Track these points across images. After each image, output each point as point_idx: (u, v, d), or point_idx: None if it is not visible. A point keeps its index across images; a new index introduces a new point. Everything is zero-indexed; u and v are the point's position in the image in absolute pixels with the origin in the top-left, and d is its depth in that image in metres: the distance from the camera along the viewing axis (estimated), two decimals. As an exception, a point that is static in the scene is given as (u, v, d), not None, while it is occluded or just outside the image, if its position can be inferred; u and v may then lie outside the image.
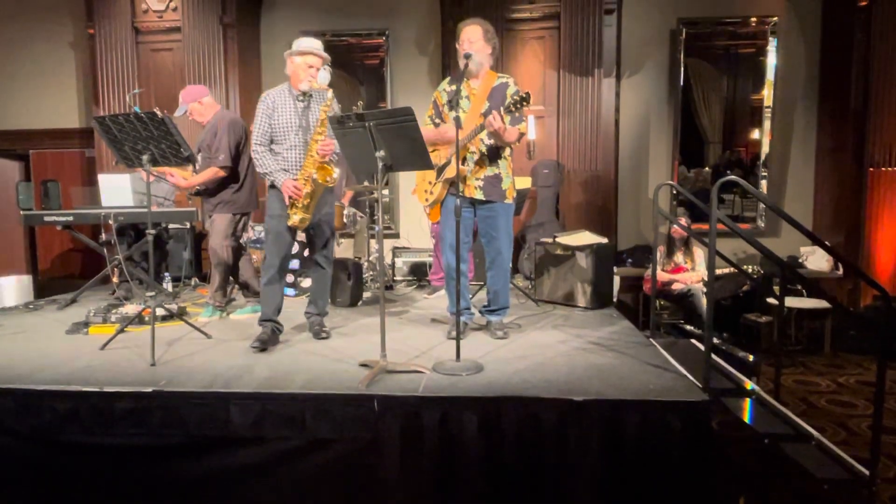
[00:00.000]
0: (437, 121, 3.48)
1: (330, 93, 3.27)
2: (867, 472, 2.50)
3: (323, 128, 3.27)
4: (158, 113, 3.05)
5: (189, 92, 4.10)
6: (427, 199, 3.48)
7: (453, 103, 2.95)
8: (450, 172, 3.36)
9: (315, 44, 3.38)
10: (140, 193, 4.82)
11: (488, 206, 3.42)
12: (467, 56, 3.22)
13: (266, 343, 3.25)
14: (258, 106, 3.39)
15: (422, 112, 2.92)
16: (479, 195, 3.39)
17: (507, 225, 3.47)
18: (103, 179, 4.93)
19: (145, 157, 3.17)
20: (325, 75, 3.33)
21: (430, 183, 3.48)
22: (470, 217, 3.45)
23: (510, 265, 3.56)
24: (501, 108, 3.15)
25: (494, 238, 3.45)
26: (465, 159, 3.37)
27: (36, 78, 6.88)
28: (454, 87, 3.36)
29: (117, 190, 4.81)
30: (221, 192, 4.04)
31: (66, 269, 7.08)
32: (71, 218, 4.80)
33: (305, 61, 3.31)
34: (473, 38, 3.30)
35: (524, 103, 3.11)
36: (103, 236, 5.03)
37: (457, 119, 2.87)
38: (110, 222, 4.58)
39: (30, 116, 6.92)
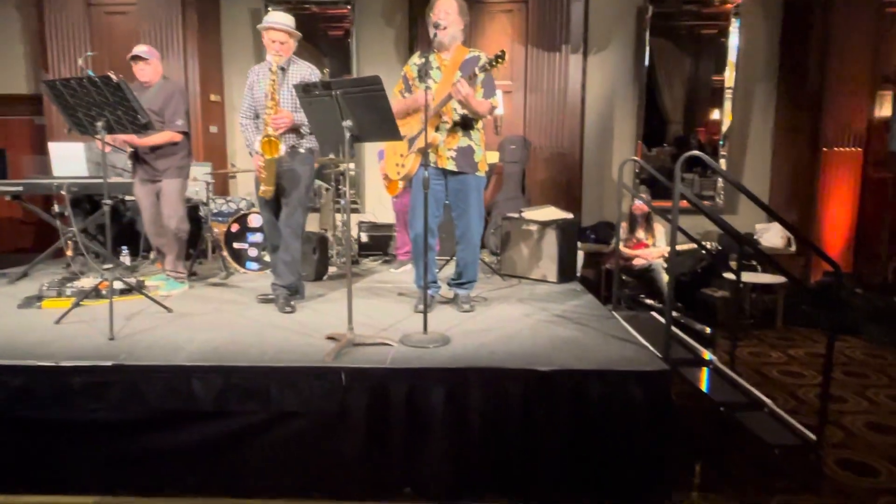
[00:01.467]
0: (407, 94, 3.43)
1: (287, 65, 3.39)
2: (815, 438, 2.62)
3: (273, 101, 3.31)
4: (113, 77, 2.92)
5: (152, 49, 4.02)
6: (399, 173, 3.45)
7: (423, 74, 2.92)
8: (421, 142, 3.32)
9: (279, 18, 3.38)
10: (94, 163, 4.64)
11: (460, 179, 3.40)
12: (437, 25, 3.18)
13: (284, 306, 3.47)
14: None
15: (388, 84, 2.88)
16: (450, 166, 3.37)
17: (479, 198, 3.46)
18: (54, 148, 4.73)
19: (100, 124, 3.03)
20: None
21: (401, 156, 3.44)
22: (441, 190, 3.44)
23: (480, 239, 3.57)
24: (476, 69, 3.14)
25: (465, 211, 3.44)
26: (437, 128, 3.34)
27: (-21, 41, 6.51)
28: (424, 60, 3.33)
29: (70, 159, 4.63)
30: (170, 157, 3.97)
31: (16, 242, 6.79)
32: (21, 188, 4.60)
33: (269, 36, 3.37)
34: (449, 11, 3.26)
35: (499, 61, 3.06)
36: (56, 208, 4.84)
37: (427, 90, 2.84)
38: (63, 193, 4.40)
39: (-27, 81, 6.55)
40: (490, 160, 4.75)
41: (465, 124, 3.37)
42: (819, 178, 5.97)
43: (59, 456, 2.58)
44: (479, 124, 3.43)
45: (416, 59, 3.47)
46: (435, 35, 3.21)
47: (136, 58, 3.91)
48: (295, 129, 3.42)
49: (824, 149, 5.90)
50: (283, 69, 3.40)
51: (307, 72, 3.46)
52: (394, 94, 3.48)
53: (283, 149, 3.33)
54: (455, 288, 3.64)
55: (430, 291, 3.51)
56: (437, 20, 3.21)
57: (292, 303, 3.55)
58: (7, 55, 6.52)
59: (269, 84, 3.31)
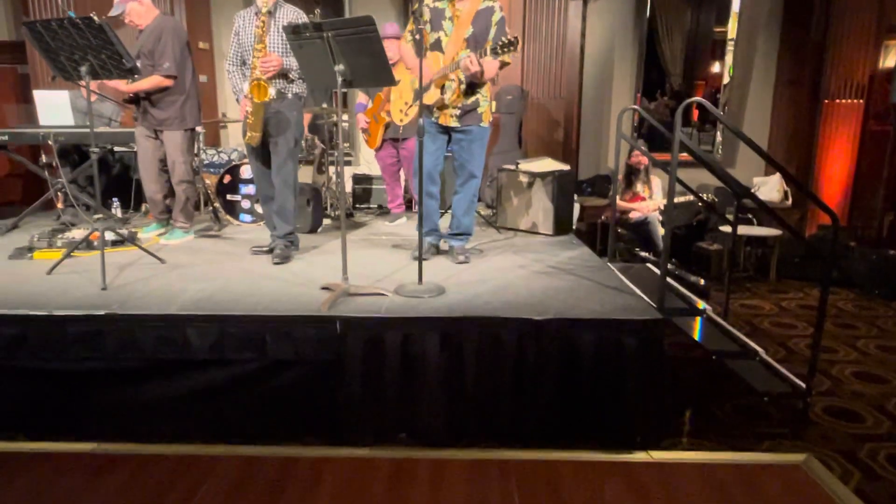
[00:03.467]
0: (418, 37, 3.32)
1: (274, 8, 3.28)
2: (803, 386, 2.67)
3: (261, 44, 3.24)
4: (96, 18, 2.81)
5: None
6: (402, 120, 3.41)
7: (434, 23, 2.96)
8: (428, 99, 3.30)
9: None
10: (81, 112, 4.52)
11: (465, 131, 3.37)
12: None
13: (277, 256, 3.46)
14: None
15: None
16: (453, 122, 3.36)
17: (482, 149, 3.43)
18: (39, 96, 4.60)
19: (84, 69, 2.93)
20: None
21: (405, 104, 3.39)
22: (443, 139, 3.43)
23: (478, 191, 3.54)
24: (487, 48, 3.04)
25: (468, 161, 3.42)
26: (443, 87, 3.31)
27: (-46, -16, 6.26)
28: (439, 6, 3.26)
29: (56, 108, 4.50)
30: (169, 108, 3.84)
31: (4, 195, 6.69)
32: (6, 138, 4.49)
33: None
34: None
35: (511, 48, 2.98)
36: (44, 158, 4.74)
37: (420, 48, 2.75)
38: (50, 142, 4.31)
39: (-50, 28, 6.33)
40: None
41: (473, 83, 3.29)
42: (819, 130, 5.90)
43: (55, 404, 2.60)
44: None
45: (430, 2, 3.30)
46: None
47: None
48: (283, 74, 3.34)
49: (825, 101, 5.81)
50: (270, 13, 3.29)
51: (294, 15, 3.36)
52: (404, 37, 3.46)
53: (272, 92, 3.26)
54: (450, 239, 3.62)
55: (430, 239, 3.51)
56: None
57: (290, 253, 3.54)
58: (-14, 0, 6.29)
59: (258, 27, 3.23)
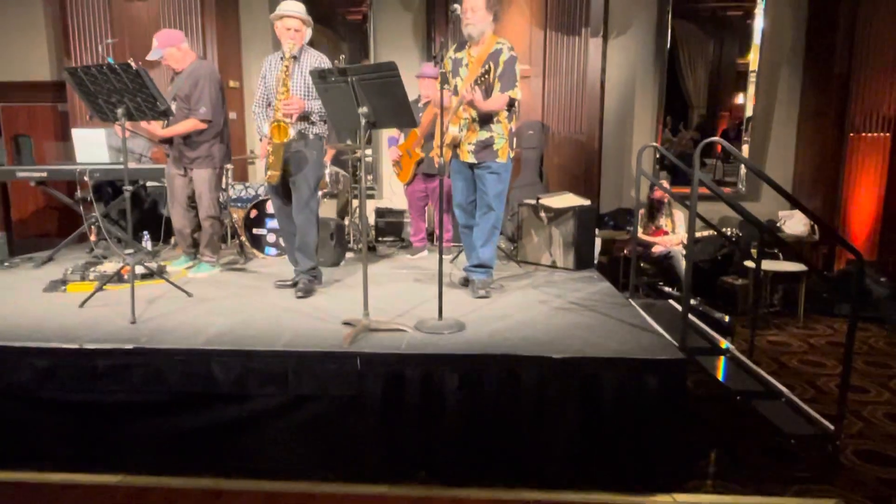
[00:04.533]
0: (446, 86, 3.50)
1: (295, 51, 3.43)
2: (832, 428, 2.60)
3: (284, 87, 3.37)
4: (133, 64, 2.95)
5: (166, 36, 3.92)
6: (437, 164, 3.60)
7: (454, 72, 3.29)
8: (449, 137, 3.47)
9: (292, 6, 3.41)
10: (115, 149, 4.70)
11: (483, 166, 3.51)
12: (465, 24, 3.33)
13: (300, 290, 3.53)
14: None
15: (404, 69, 2.89)
16: (471, 159, 3.51)
17: (498, 183, 3.52)
18: (77, 134, 4.79)
19: (120, 111, 3.07)
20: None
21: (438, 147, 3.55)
22: (469, 174, 3.60)
23: (499, 225, 3.61)
24: (476, 80, 3.26)
25: (484, 194, 3.53)
26: (460, 127, 3.49)
27: (3, 29, 6.59)
28: (458, 56, 3.48)
29: (92, 145, 4.69)
30: (200, 147, 3.97)
31: (41, 227, 6.93)
32: (45, 174, 4.68)
33: (283, 24, 3.41)
34: (475, 8, 3.33)
35: (485, 76, 3.25)
36: (79, 193, 4.92)
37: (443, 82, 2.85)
38: (86, 179, 4.48)
39: (-2, 68, 6.66)
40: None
41: (485, 119, 3.45)
42: (845, 164, 5.83)
43: (83, 436, 2.65)
44: (503, 115, 3.48)
45: (451, 53, 3.55)
46: (465, 27, 3.35)
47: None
48: (305, 116, 3.45)
49: (851, 134, 5.75)
50: (295, 57, 3.43)
51: (317, 61, 3.48)
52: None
53: (291, 133, 3.37)
54: (470, 272, 3.64)
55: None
56: (465, 20, 3.33)
57: (313, 287, 3.61)
58: (31, 43, 6.61)
59: (281, 70, 3.36)
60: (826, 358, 4.09)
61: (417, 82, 4.61)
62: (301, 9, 3.43)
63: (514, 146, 3.61)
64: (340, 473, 2.58)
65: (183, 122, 3.89)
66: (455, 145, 3.52)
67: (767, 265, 5.08)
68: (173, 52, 3.91)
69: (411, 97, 4.42)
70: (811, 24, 6.06)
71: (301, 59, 3.45)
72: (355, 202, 5.28)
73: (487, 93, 3.37)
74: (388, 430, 2.54)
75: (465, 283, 3.74)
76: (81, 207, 4.73)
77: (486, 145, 3.47)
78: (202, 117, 3.88)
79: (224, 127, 4.06)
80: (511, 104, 3.42)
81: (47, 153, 6.55)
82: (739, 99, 6.43)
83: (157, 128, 3.94)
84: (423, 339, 2.71)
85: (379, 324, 2.85)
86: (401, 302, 3.38)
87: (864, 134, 5.69)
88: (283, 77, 3.36)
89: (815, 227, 5.84)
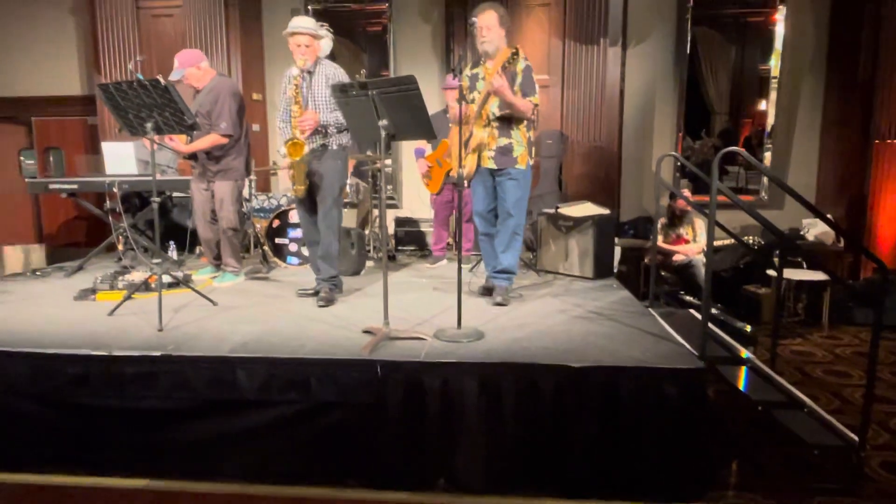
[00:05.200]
0: (463, 102, 3.56)
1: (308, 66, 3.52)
2: (857, 439, 2.56)
3: (296, 105, 3.47)
4: (161, 80, 3.05)
5: (187, 56, 4.04)
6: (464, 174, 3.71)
7: (470, 88, 3.44)
8: (474, 143, 3.54)
9: (300, 23, 3.50)
10: (143, 161, 4.83)
11: (503, 173, 3.57)
12: (480, 41, 3.46)
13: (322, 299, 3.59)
14: None
15: (424, 81, 2.95)
16: (491, 164, 3.58)
17: (517, 189, 3.57)
18: (107, 147, 4.94)
19: (149, 125, 3.17)
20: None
21: (464, 157, 3.67)
22: (490, 182, 3.65)
23: (520, 232, 3.64)
24: (503, 66, 3.34)
25: (504, 201, 3.59)
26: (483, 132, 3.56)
27: (36, 44, 6.81)
28: (475, 71, 3.59)
29: (121, 158, 4.83)
30: (222, 160, 4.08)
31: (71, 237, 7.12)
32: (76, 186, 4.83)
33: (294, 41, 3.50)
34: (490, 26, 3.44)
35: (514, 58, 3.35)
36: (108, 204, 5.06)
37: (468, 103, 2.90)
38: (115, 190, 4.61)
39: (30, 83, 6.87)
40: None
41: (505, 125, 3.51)
42: (870, 171, 5.75)
43: (112, 441, 2.73)
44: (522, 123, 3.55)
45: (468, 71, 3.65)
46: (481, 44, 3.47)
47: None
48: (324, 128, 3.53)
49: (876, 141, 5.67)
50: (310, 72, 3.52)
51: (332, 72, 3.55)
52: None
53: (306, 149, 3.46)
54: (492, 278, 3.69)
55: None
56: (481, 38, 3.45)
57: (334, 296, 3.66)
58: (62, 58, 6.82)
59: (292, 88, 3.46)
60: (851, 368, 4.03)
61: (438, 94, 4.67)
62: (310, 24, 3.50)
63: (533, 155, 3.66)
64: (361, 480, 2.61)
65: (205, 138, 4.00)
66: (480, 151, 3.58)
67: (791, 274, 5.02)
68: (194, 71, 4.03)
69: (436, 108, 4.50)
70: (833, 30, 6.00)
71: (315, 73, 3.52)
72: (375, 212, 5.34)
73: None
74: (408, 437, 2.57)
75: (486, 291, 3.76)
76: (110, 218, 4.87)
77: (505, 151, 3.53)
78: (223, 132, 3.98)
79: (245, 139, 4.17)
80: (533, 110, 3.50)
81: (77, 165, 6.74)
82: (762, 105, 6.38)
83: (180, 144, 4.07)
84: (443, 348, 2.74)
85: (399, 332, 2.89)
86: (420, 310, 3.41)
87: (889, 141, 5.61)
88: (293, 95, 3.46)
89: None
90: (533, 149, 3.65)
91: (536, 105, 3.50)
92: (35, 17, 6.79)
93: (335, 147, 3.60)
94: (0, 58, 6.87)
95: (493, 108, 3.50)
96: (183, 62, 4.01)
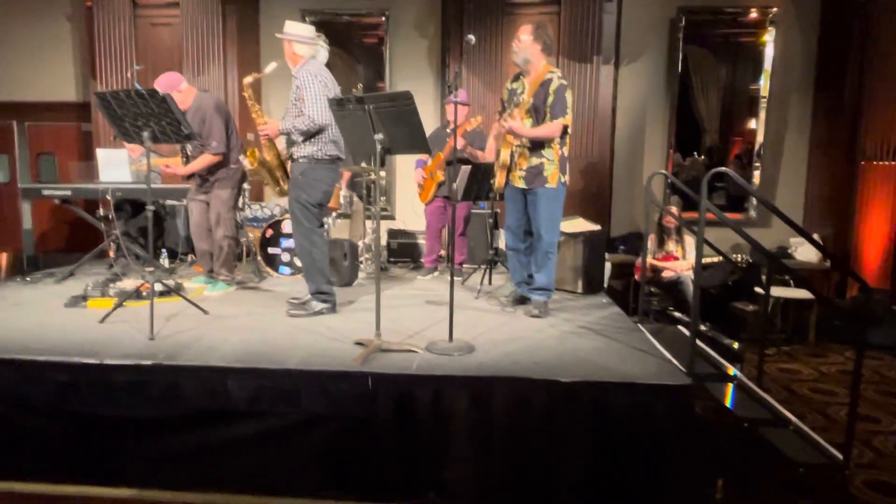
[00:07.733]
0: (497, 117, 3.71)
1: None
2: (841, 457, 2.60)
3: (255, 114, 3.70)
4: (159, 90, 3.07)
5: (165, 80, 4.05)
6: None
7: (508, 102, 3.57)
8: (504, 158, 3.64)
9: (284, 28, 3.53)
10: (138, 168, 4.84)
11: (533, 192, 3.62)
12: (513, 53, 3.58)
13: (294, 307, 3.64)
14: None
15: (419, 94, 2.98)
16: (521, 184, 3.64)
17: (549, 209, 3.62)
18: (101, 154, 4.94)
19: (146, 134, 3.19)
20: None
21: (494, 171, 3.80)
22: (522, 200, 3.71)
23: (552, 250, 3.68)
24: (506, 114, 3.52)
25: (535, 220, 3.66)
26: (512, 152, 3.63)
27: (32, 50, 6.81)
28: (514, 86, 3.67)
29: (115, 165, 4.83)
30: (217, 171, 4.16)
31: (62, 243, 7.08)
32: (69, 192, 4.82)
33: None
34: (521, 38, 3.54)
35: (509, 108, 3.57)
36: (101, 211, 5.05)
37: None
38: (108, 197, 4.60)
39: (25, 88, 6.85)
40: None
41: (535, 145, 3.57)
42: (857, 192, 5.85)
43: (101, 449, 2.72)
44: (555, 142, 3.58)
45: (509, 84, 3.73)
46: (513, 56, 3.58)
47: None
48: (287, 137, 3.60)
49: (862, 162, 5.78)
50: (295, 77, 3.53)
51: (301, 80, 3.44)
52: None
53: (258, 156, 3.68)
54: (530, 293, 3.76)
55: (518, 290, 3.87)
56: (513, 48, 3.56)
57: (318, 307, 3.57)
58: (58, 64, 6.82)
59: (248, 97, 3.70)
60: (837, 386, 4.08)
61: (433, 107, 4.72)
62: (288, 29, 3.52)
63: (567, 171, 3.67)
64: (351, 493, 2.61)
65: (199, 160, 4.08)
66: (508, 169, 3.65)
67: (778, 292, 5.09)
68: (175, 95, 4.00)
69: (430, 121, 4.53)
70: (821, 52, 6.12)
71: (296, 78, 3.50)
72: (368, 223, 5.36)
73: (539, 121, 3.51)
74: (398, 449, 2.58)
75: (520, 300, 3.83)
76: (103, 225, 4.86)
77: (537, 172, 3.58)
78: (214, 151, 4.05)
79: (235, 153, 4.21)
80: (564, 131, 3.54)
81: (71, 171, 6.72)
82: (752, 124, 6.48)
83: (179, 168, 4.12)
84: (434, 361, 2.76)
85: (390, 344, 2.90)
86: (412, 323, 3.43)
87: (875, 162, 5.71)
88: (250, 104, 3.65)
89: (827, 254, 5.84)
90: (567, 164, 3.67)
91: (567, 125, 3.52)
92: (32, 23, 6.79)
93: (300, 158, 3.52)
94: (-4, 62, 6.86)
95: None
96: (162, 87, 3.96)
